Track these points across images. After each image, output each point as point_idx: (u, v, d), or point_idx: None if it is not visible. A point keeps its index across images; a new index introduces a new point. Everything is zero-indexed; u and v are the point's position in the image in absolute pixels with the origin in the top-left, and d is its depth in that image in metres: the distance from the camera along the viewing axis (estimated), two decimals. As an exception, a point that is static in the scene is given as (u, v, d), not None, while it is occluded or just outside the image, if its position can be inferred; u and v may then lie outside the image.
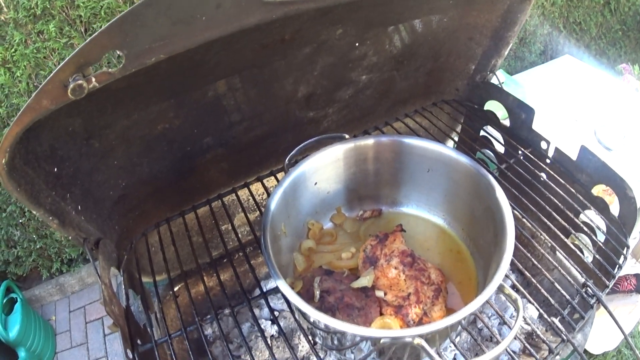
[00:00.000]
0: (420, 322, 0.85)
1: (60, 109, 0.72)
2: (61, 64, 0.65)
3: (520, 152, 1.28)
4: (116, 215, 1.17)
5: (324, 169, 1.05)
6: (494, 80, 1.39)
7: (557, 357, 1.14)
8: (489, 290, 0.73)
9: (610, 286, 1.07)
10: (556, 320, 1.01)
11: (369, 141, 1.04)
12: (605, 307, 1.00)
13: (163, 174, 1.19)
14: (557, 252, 1.15)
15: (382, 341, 0.69)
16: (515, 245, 1.11)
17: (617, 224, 1.13)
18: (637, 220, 1.14)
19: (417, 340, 0.68)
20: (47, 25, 1.84)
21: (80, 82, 0.66)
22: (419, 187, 1.07)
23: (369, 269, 0.92)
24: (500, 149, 1.35)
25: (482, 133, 1.41)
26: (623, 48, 3.41)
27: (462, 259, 1.01)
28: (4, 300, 2.26)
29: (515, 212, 1.22)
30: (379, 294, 0.89)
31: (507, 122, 1.35)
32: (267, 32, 0.90)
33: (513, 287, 1.32)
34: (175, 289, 1.33)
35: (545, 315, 1.01)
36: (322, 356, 1.10)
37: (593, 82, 2.17)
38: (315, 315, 0.73)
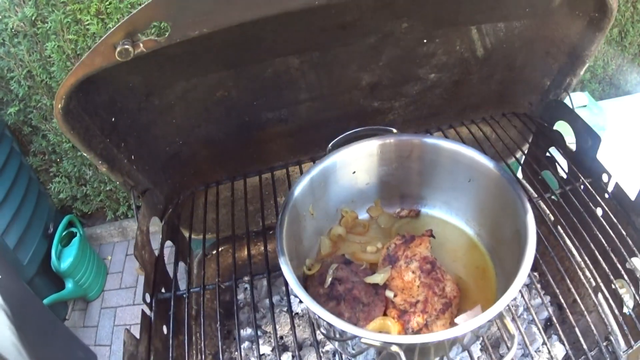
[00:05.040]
0: (418, 333, 0.87)
1: (120, 66, 0.82)
2: (112, 29, 0.76)
3: (580, 180, 1.24)
4: (170, 170, 1.30)
5: (364, 159, 1.10)
6: (569, 102, 1.33)
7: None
8: (482, 318, 0.73)
9: (635, 347, 1.02)
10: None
11: (414, 140, 1.07)
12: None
13: (220, 138, 1.30)
14: (600, 294, 1.11)
15: (362, 340, 0.72)
16: (562, 277, 1.11)
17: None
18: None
19: (395, 348, 0.71)
20: (142, -17, 2.01)
21: (126, 46, 0.78)
22: (459, 196, 1.08)
23: (387, 267, 0.95)
24: (562, 173, 1.31)
25: (548, 154, 1.37)
26: None
27: (485, 279, 1.01)
28: (64, 233, 2.52)
29: (569, 242, 1.20)
30: (389, 294, 0.93)
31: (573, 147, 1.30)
32: (324, 16, 0.95)
33: (548, 320, 1.31)
34: (214, 251, 1.44)
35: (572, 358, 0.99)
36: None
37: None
38: (303, 298, 0.78)
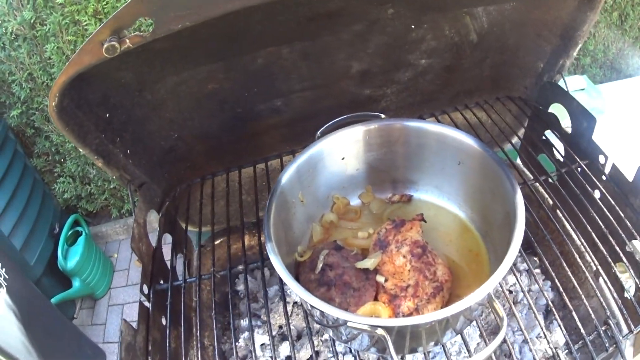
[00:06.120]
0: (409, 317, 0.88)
1: (110, 63, 0.85)
2: (99, 27, 0.78)
3: (576, 163, 1.23)
4: (167, 164, 1.31)
5: (352, 145, 1.10)
6: (563, 84, 1.33)
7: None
8: (468, 301, 0.74)
9: (635, 332, 1.03)
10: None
11: (396, 124, 1.07)
12: (622, 355, 0.96)
13: (214, 131, 1.31)
14: (601, 279, 1.11)
15: (348, 324, 0.73)
16: (561, 262, 1.12)
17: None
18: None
19: (380, 332, 0.72)
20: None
21: (113, 43, 0.80)
22: (450, 179, 1.09)
23: (377, 252, 0.96)
24: (559, 155, 1.31)
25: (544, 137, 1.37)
26: None
27: (478, 262, 1.02)
28: (69, 232, 2.55)
29: (568, 226, 1.20)
30: (379, 279, 0.93)
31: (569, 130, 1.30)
32: (309, 5, 0.96)
33: (547, 307, 1.31)
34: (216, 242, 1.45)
35: (571, 344, 1.00)
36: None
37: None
38: (290, 283, 0.79)
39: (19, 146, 2.50)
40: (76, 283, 2.47)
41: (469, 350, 0.99)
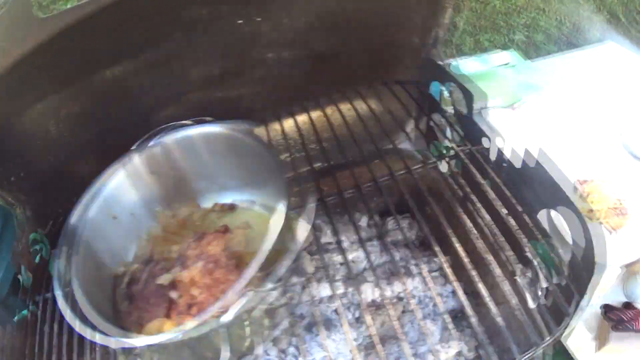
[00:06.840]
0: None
1: None
2: None
3: (465, 147, 1.17)
4: (56, 182, 1.38)
5: (160, 159, 1.14)
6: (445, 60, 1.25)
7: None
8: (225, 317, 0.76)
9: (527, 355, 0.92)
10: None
11: (177, 135, 1.12)
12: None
13: (100, 149, 1.36)
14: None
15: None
16: (460, 266, 1.04)
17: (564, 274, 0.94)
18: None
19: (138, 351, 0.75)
20: None
21: None
22: (261, 182, 1.08)
23: (176, 267, 0.98)
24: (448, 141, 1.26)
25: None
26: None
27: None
28: (31, 250, 2.74)
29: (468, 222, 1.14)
30: (172, 295, 0.96)
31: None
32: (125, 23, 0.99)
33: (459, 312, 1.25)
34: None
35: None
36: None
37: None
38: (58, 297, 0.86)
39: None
40: (39, 299, 2.67)
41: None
